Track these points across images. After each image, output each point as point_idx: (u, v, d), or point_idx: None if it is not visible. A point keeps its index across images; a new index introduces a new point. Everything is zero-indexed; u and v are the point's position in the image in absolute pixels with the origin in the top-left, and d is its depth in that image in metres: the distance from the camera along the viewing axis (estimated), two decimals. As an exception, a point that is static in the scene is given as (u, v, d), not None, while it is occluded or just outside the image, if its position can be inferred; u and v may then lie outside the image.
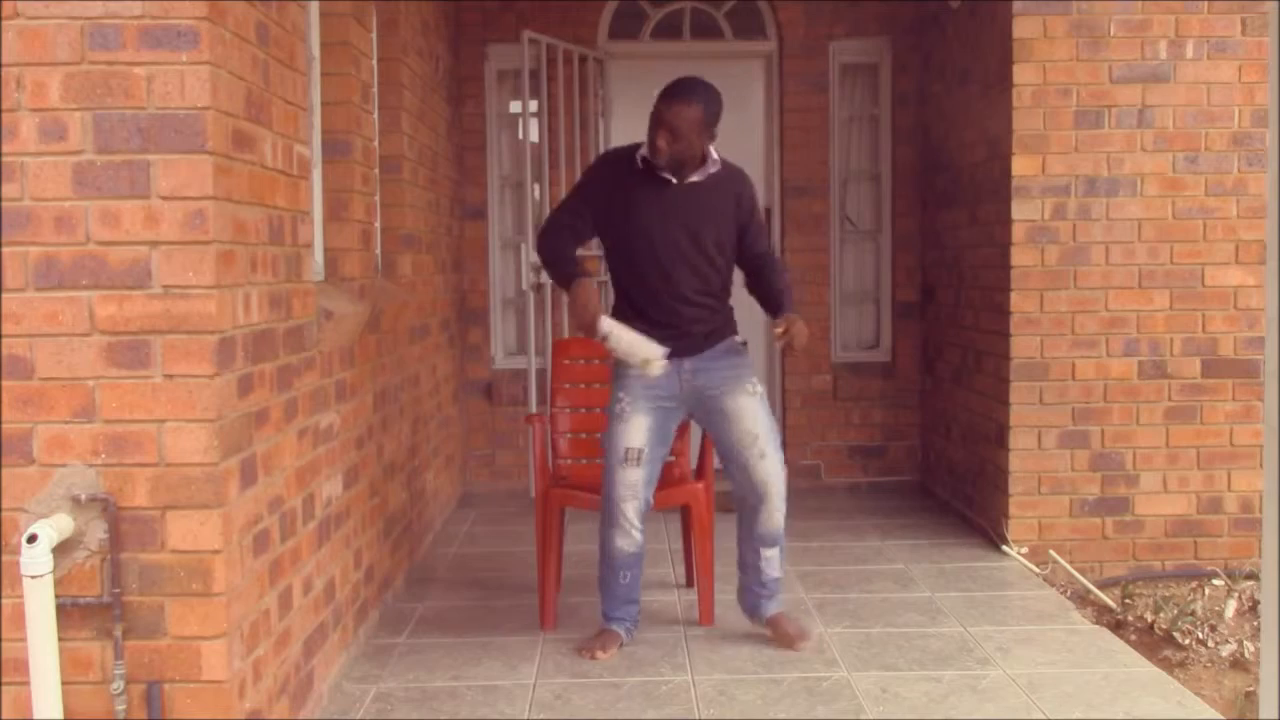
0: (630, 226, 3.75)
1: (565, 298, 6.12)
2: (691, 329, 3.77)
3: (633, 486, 3.76)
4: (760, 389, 3.84)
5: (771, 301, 3.86)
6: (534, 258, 5.94)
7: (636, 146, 3.81)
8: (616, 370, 3.84)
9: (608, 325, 3.66)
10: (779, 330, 3.68)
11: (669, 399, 3.79)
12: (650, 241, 3.74)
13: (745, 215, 3.84)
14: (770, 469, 3.79)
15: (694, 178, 3.75)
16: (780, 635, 3.83)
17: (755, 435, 3.77)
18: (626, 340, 3.67)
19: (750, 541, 3.88)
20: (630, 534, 3.79)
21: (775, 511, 3.83)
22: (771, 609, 3.90)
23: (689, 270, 3.75)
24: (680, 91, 3.67)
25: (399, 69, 4.70)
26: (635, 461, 3.74)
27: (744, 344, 3.91)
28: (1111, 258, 4.93)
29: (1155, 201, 4.92)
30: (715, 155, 3.78)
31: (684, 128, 3.62)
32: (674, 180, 3.73)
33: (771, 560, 3.88)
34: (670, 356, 3.70)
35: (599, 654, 3.74)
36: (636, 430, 3.75)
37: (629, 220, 3.76)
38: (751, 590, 3.93)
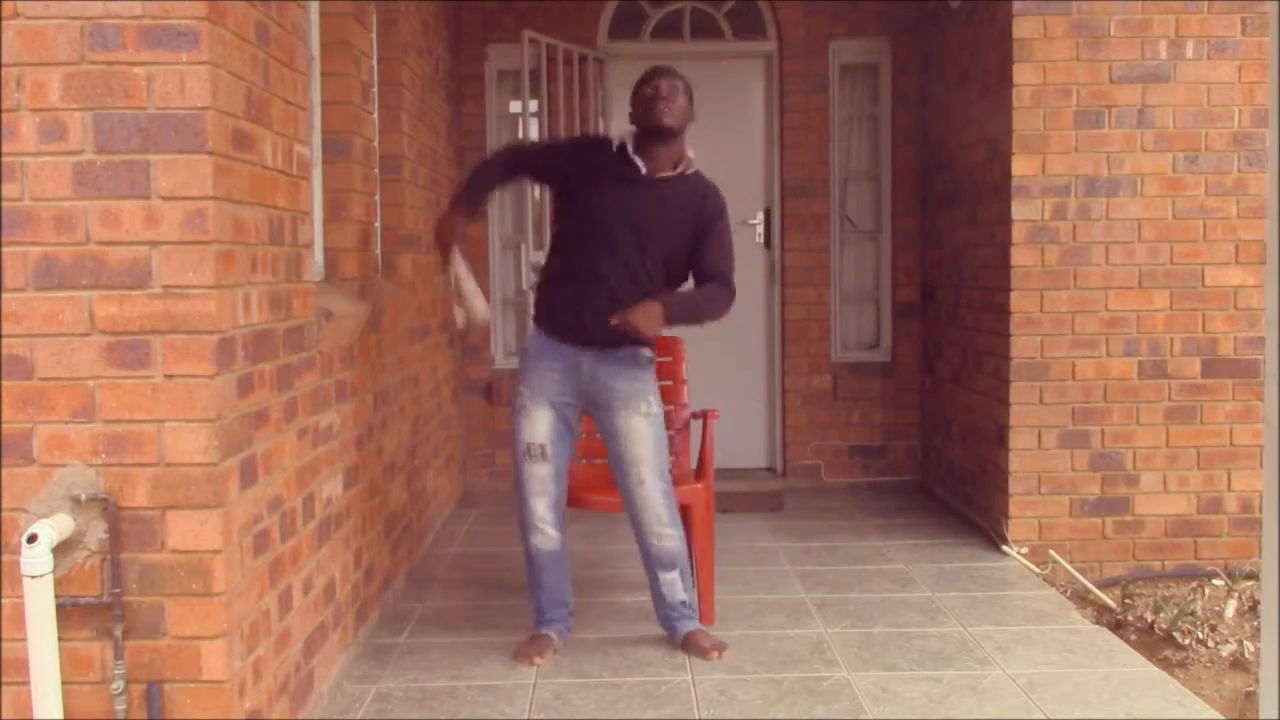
0: (584, 204, 3.71)
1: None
2: (600, 324, 3.59)
3: (541, 481, 3.72)
4: (655, 409, 3.74)
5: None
6: (534, 257, 5.95)
7: (620, 139, 3.78)
8: (521, 359, 3.86)
9: (459, 265, 3.73)
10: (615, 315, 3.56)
11: (568, 395, 3.73)
12: (598, 224, 3.67)
13: (703, 229, 3.72)
14: (647, 496, 3.72)
15: (666, 173, 3.71)
16: (696, 649, 3.75)
17: (637, 459, 3.71)
18: (465, 283, 3.73)
19: (648, 563, 3.84)
20: (545, 532, 3.76)
21: (657, 535, 3.75)
22: (686, 628, 3.83)
23: (623, 265, 3.64)
24: (666, 69, 3.74)
25: (399, 69, 4.70)
26: (540, 456, 3.71)
27: (651, 360, 3.79)
28: (1111, 258, 4.93)
29: (1155, 201, 4.92)
30: (692, 156, 3.77)
31: (678, 97, 3.66)
32: (644, 171, 3.67)
33: (672, 584, 3.82)
34: (570, 345, 3.68)
35: (537, 660, 3.70)
36: (538, 425, 3.71)
37: (585, 199, 3.71)
38: (661, 610, 3.88)
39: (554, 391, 3.72)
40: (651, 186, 3.69)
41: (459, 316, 3.83)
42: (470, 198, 3.87)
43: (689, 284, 3.82)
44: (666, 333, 3.71)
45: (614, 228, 3.66)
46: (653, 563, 3.82)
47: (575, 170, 3.76)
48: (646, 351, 3.78)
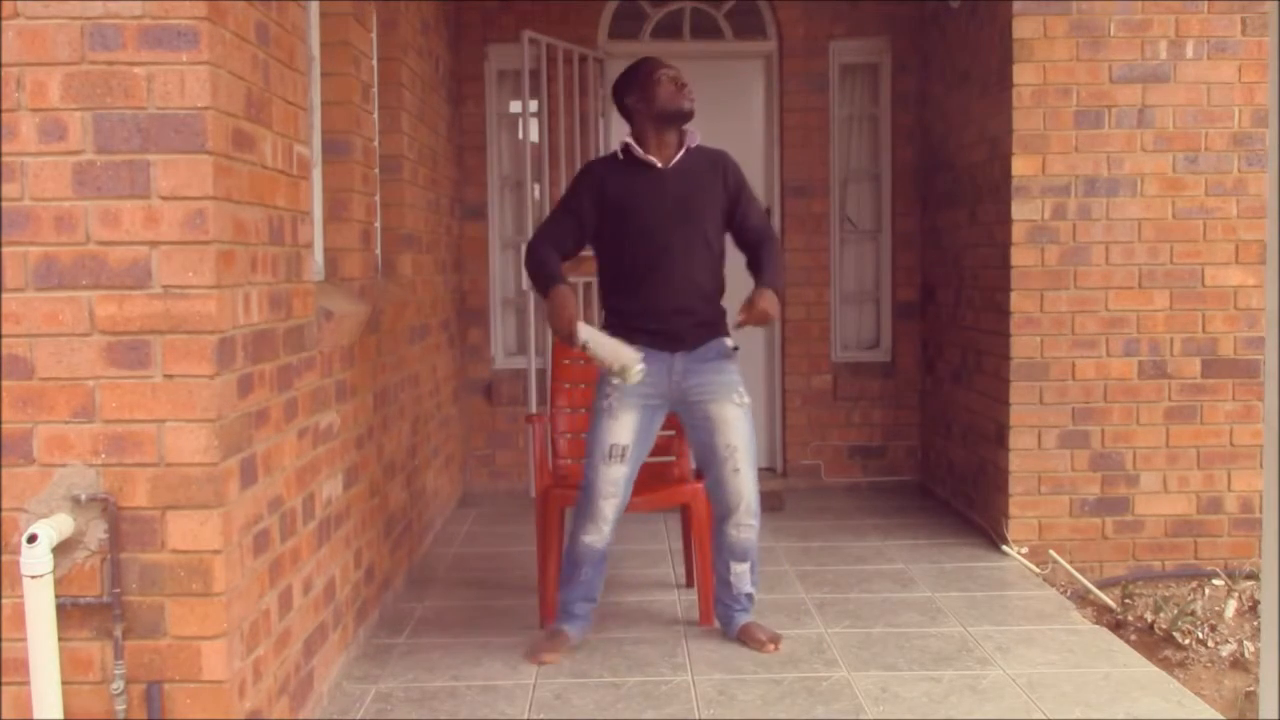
0: (624, 217, 3.74)
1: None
2: (684, 320, 3.74)
3: (615, 483, 3.74)
4: (747, 400, 3.81)
5: (757, 274, 3.80)
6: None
7: (614, 152, 3.85)
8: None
9: (586, 332, 3.62)
10: (739, 316, 3.63)
11: (656, 397, 3.76)
12: (646, 227, 3.72)
13: (734, 190, 3.81)
14: (742, 484, 3.77)
15: (677, 159, 3.77)
16: (752, 641, 3.80)
17: (733, 448, 3.75)
18: (605, 346, 3.63)
19: (721, 554, 3.87)
20: (602, 530, 3.77)
21: (743, 526, 3.81)
22: (743, 619, 3.88)
23: (685, 253, 3.73)
24: (658, 59, 3.82)
25: (399, 69, 4.71)
26: (620, 459, 3.72)
27: (735, 349, 3.86)
28: (1111, 258, 4.93)
29: (1155, 201, 4.93)
30: (695, 135, 3.82)
31: (681, 84, 3.74)
32: (659, 165, 3.74)
33: (742, 576, 3.87)
34: (661, 350, 3.69)
35: (547, 657, 3.70)
36: (623, 427, 3.72)
37: (623, 212, 3.74)
38: (723, 603, 3.92)
39: (643, 394, 3.71)
40: (672, 174, 3.76)
41: (626, 375, 3.61)
42: (557, 273, 3.72)
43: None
44: None
45: (662, 223, 3.72)
46: (727, 553, 3.85)
47: (602, 198, 3.76)
48: (730, 342, 3.83)
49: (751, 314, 3.64)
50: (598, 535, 3.77)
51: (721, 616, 3.93)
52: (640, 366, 3.58)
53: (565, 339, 3.64)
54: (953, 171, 5.79)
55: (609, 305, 3.87)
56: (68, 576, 2.53)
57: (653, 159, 3.76)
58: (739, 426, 3.76)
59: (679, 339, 3.74)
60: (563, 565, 3.90)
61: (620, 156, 3.81)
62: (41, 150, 2.47)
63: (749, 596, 3.91)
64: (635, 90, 3.77)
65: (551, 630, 3.85)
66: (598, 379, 3.82)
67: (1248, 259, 4.93)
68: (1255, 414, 4.92)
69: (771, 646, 3.77)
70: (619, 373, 3.60)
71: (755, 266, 3.84)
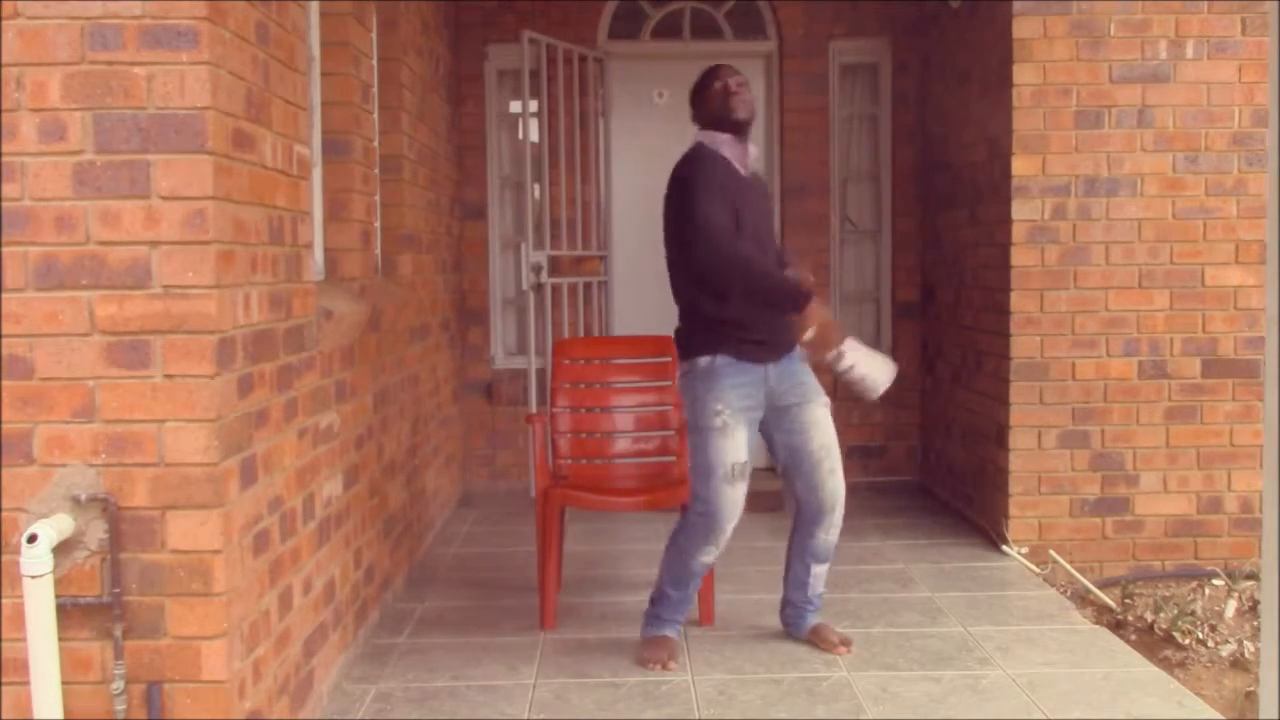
0: (740, 221, 3.63)
1: (564, 298, 6.13)
2: (782, 326, 3.63)
3: (737, 504, 3.65)
4: (828, 400, 3.79)
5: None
6: (533, 257, 5.95)
7: (707, 150, 3.71)
8: (703, 380, 3.64)
9: (850, 347, 3.47)
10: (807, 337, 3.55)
11: (758, 408, 3.69)
12: (755, 234, 3.67)
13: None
14: (838, 486, 3.74)
15: (749, 170, 3.78)
16: (824, 642, 3.78)
17: (827, 448, 3.71)
18: (866, 359, 3.48)
19: (802, 557, 3.82)
20: (720, 548, 3.73)
21: (833, 527, 3.78)
22: (813, 621, 3.87)
23: (776, 262, 3.76)
24: (727, 67, 3.79)
25: (399, 69, 4.70)
26: (742, 476, 3.64)
27: (806, 358, 3.77)
28: (1111, 258, 4.93)
29: (1155, 201, 4.92)
30: (755, 150, 3.83)
31: (747, 92, 3.74)
32: (744, 173, 3.73)
33: (820, 577, 3.85)
34: (763, 361, 3.65)
35: (672, 665, 3.65)
36: (739, 444, 3.63)
37: (738, 214, 3.63)
38: (795, 605, 3.88)
39: (748, 408, 3.67)
40: (751, 182, 3.78)
41: (876, 391, 3.55)
42: (794, 281, 3.65)
43: None
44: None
45: (762, 230, 3.73)
46: (809, 556, 3.81)
47: (727, 191, 3.64)
48: (801, 350, 3.74)
49: (816, 344, 3.56)
50: (715, 554, 3.74)
51: (790, 619, 3.89)
52: (888, 383, 3.54)
53: (830, 360, 3.48)
54: (953, 171, 5.78)
55: (710, 313, 3.65)
56: (68, 576, 2.53)
57: (740, 168, 3.72)
58: (828, 427, 3.74)
59: (778, 347, 3.69)
60: (668, 584, 3.79)
61: (722, 155, 3.70)
62: (41, 150, 2.47)
63: (820, 596, 3.89)
64: (704, 95, 3.75)
65: (659, 637, 3.77)
66: (697, 392, 3.64)
67: (1248, 259, 4.93)
68: (1255, 414, 4.92)
69: (843, 649, 3.75)
70: (873, 389, 3.50)
71: None
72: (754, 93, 3.78)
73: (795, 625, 3.90)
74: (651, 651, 3.71)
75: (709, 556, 3.74)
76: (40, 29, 2.46)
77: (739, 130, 3.72)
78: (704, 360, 3.66)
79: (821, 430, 3.73)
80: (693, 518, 3.70)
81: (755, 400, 3.68)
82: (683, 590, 3.80)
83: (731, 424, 3.62)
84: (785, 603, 3.92)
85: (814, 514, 3.76)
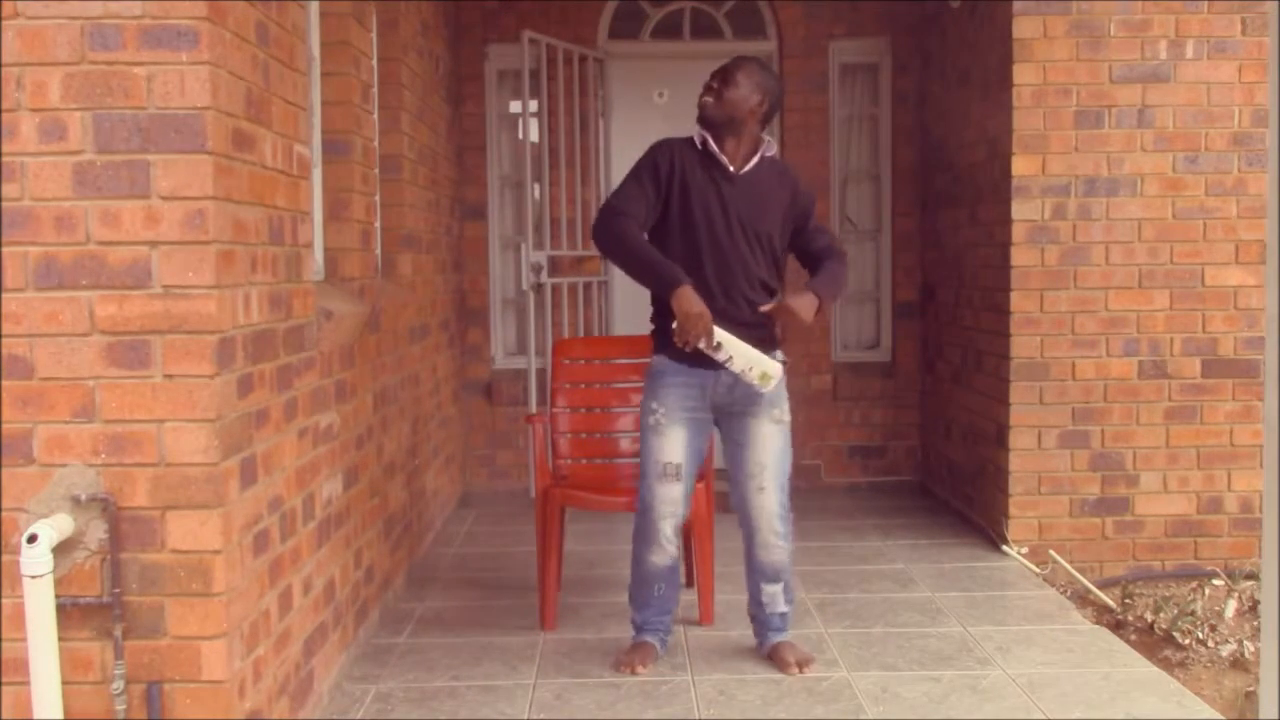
0: (690, 214, 3.58)
1: (564, 298, 6.13)
2: (739, 331, 3.53)
3: (672, 503, 3.62)
4: (788, 417, 3.69)
5: (811, 274, 3.73)
6: (533, 257, 5.95)
7: (689, 137, 3.67)
8: (648, 379, 3.68)
9: (720, 334, 3.44)
10: (770, 306, 3.54)
11: (701, 409, 3.64)
12: (711, 231, 3.57)
13: (803, 206, 3.71)
14: (765, 505, 3.64)
15: (748, 167, 3.62)
16: (780, 662, 3.66)
17: (763, 466, 3.63)
18: (742, 351, 3.45)
19: (752, 574, 3.76)
20: (666, 549, 3.67)
21: (768, 546, 3.68)
22: (775, 639, 3.75)
23: (745, 265, 3.58)
24: (743, 59, 3.66)
25: (399, 69, 4.70)
26: (674, 476, 3.61)
27: (785, 363, 3.67)
28: (1111, 258, 4.93)
29: (1155, 201, 4.92)
30: (772, 145, 3.70)
31: (729, 88, 3.56)
32: (731, 168, 3.60)
33: (775, 596, 3.73)
34: (702, 364, 3.54)
35: (639, 669, 3.63)
36: (673, 444, 3.60)
37: (689, 207, 3.58)
38: (757, 619, 3.81)
39: (690, 408, 3.61)
40: (743, 181, 3.62)
41: (765, 383, 3.52)
42: (667, 262, 3.53)
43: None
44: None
45: (727, 228, 3.58)
46: (757, 574, 3.72)
47: (673, 182, 3.61)
48: (780, 354, 3.69)
49: (777, 307, 3.55)
50: (662, 554, 3.68)
51: (756, 632, 3.83)
52: (780, 375, 3.52)
53: (697, 339, 3.43)
54: (953, 171, 5.78)
55: (659, 312, 3.66)
56: (68, 576, 2.53)
57: (725, 160, 3.61)
58: (773, 444, 3.63)
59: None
60: (632, 585, 3.79)
61: (698, 146, 3.64)
62: (41, 150, 2.47)
63: (783, 616, 3.76)
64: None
65: (637, 642, 3.75)
66: (645, 391, 3.67)
67: (1248, 259, 4.93)
68: (1255, 414, 4.92)
69: (796, 669, 3.61)
70: (759, 380, 3.49)
71: (812, 271, 3.75)
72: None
73: (759, 640, 3.80)
74: (624, 655, 3.71)
75: (656, 557, 3.68)
76: (40, 29, 2.46)
77: (705, 126, 3.61)
78: (654, 359, 3.69)
79: (761, 446, 3.63)
80: (636, 517, 3.72)
81: (698, 403, 3.62)
82: (645, 592, 3.76)
83: (665, 424, 3.61)
84: (750, 614, 3.85)
85: (747, 529, 3.71)
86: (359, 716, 3.33)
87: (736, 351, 3.47)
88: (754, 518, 3.67)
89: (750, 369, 3.48)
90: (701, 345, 3.45)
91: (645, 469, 3.65)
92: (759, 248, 3.63)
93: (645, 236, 3.60)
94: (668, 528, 3.66)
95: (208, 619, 2.55)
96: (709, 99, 3.59)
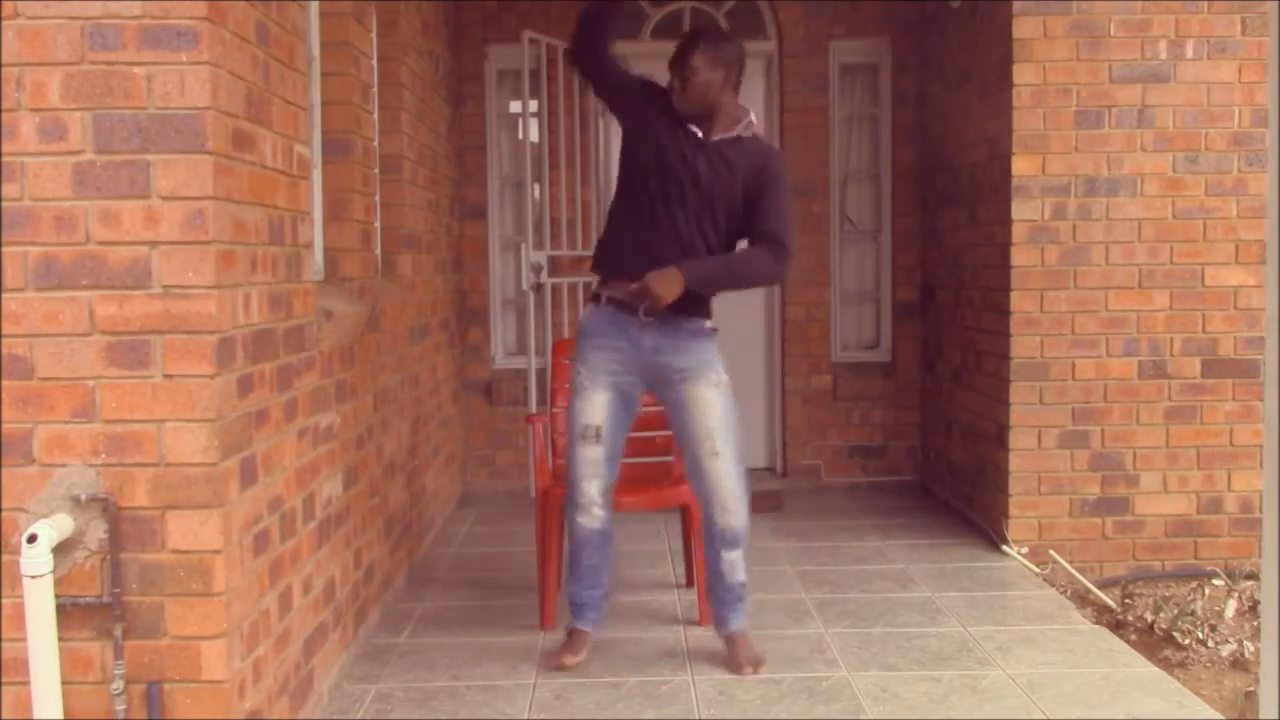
0: (652, 153, 3.58)
1: (565, 298, 6.12)
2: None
3: (594, 464, 3.64)
4: (724, 380, 3.65)
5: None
6: (533, 257, 5.95)
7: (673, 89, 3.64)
8: (578, 343, 3.72)
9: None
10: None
11: (628, 373, 3.64)
12: (660, 184, 3.56)
13: (759, 186, 3.60)
14: (721, 468, 3.62)
15: (721, 135, 3.60)
16: (731, 656, 3.65)
17: (711, 429, 3.61)
18: None
19: (711, 543, 3.73)
20: (591, 511, 3.68)
21: (727, 512, 3.65)
22: (735, 623, 3.72)
23: (692, 223, 3.57)
24: (700, 42, 3.58)
25: (399, 69, 4.71)
26: (594, 438, 3.63)
27: (714, 330, 3.70)
28: (1111, 258, 4.93)
29: (1155, 201, 4.93)
30: (753, 119, 3.66)
31: (696, 78, 3.53)
32: (700, 134, 3.57)
33: (734, 564, 3.70)
34: (630, 313, 3.57)
35: (568, 660, 3.64)
36: (595, 406, 3.63)
37: (654, 148, 3.57)
38: (715, 594, 3.76)
39: (614, 370, 3.63)
40: (713, 148, 3.60)
41: None
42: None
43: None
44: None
45: (681, 184, 3.55)
46: (717, 541, 3.69)
47: (649, 110, 3.60)
48: (709, 323, 3.70)
49: (633, 282, 3.50)
50: (588, 517, 3.69)
51: (715, 613, 3.79)
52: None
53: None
54: (953, 171, 5.78)
55: (606, 236, 3.72)
56: (68, 576, 2.53)
57: (695, 130, 3.58)
58: (716, 407, 3.61)
59: (653, 307, 3.55)
60: (569, 554, 3.82)
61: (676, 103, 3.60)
62: (41, 150, 2.47)
63: (742, 585, 3.73)
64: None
65: (568, 630, 3.77)
66: (574, 355, 3.73)
67: (1248, 259, 4.93)
68: (1255, 414, 4.92)
69: (749, 670, 3.60)
70: None
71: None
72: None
73: (718, 622, 3.76)
74: (554, 651, 3.73)
75: (581, 517, 3.69)
76: (40, 29, 2.46)
77: (685, 121, 3.59)
78: (586, 311, 3.73)
79: (705, 410, 3.61)
80: (566, 483, 3.75)
81: (621, 367, 3.63)
82: (576, 561, 3.76)
83: (588, 385, 3.63)
84: (708, 593, 3.80)
85: (704, 495, 3.70)
86: (359, 716, 3.33)
87: None
88: (710, 483, 3.65)
89: None
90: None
91: (570, 431, 3.70)
92: (709, 215, 3.59)
93: (606, 45, 3.58)
94: (590, 488, 3.66)
95: (208, 619, 2.55)
96: (675, 98, 3.57)
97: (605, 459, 3.67)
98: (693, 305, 3.63)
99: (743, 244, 3.72)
